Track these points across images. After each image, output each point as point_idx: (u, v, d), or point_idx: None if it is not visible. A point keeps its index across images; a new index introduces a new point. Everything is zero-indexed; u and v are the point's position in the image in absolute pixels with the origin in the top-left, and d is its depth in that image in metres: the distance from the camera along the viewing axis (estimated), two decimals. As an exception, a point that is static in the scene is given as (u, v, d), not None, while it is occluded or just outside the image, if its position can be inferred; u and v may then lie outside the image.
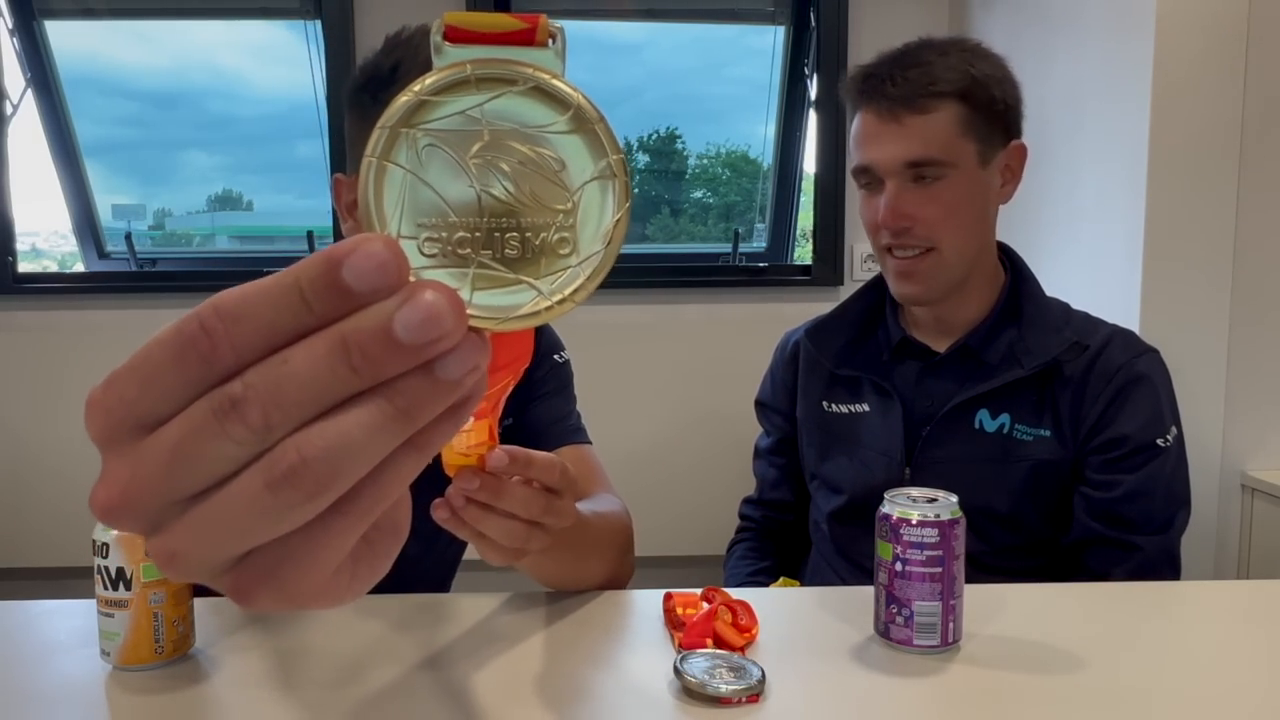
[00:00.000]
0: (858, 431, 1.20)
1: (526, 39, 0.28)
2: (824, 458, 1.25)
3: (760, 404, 1.38)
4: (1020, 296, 1.16)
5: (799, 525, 1.34)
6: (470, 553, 1.35)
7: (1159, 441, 1.11)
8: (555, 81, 0.27)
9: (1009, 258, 1.21)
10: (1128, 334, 1.16)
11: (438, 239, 0.27)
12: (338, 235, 2.22)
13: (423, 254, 0.27)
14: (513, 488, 0.64)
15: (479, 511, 0.64)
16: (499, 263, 0.27)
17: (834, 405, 1.24)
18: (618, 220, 0.28)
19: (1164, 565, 1.10)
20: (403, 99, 0.27)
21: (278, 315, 0.23)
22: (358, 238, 0.23)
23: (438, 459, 0.58)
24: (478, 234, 0.27)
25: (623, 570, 0.99)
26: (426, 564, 1.13)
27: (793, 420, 1.31)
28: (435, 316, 0.23)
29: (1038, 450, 1.11)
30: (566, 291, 0.27)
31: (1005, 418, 1.12)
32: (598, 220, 0.28)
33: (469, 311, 0.24)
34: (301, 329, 0.23)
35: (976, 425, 1.13)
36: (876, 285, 1.25)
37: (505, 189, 0.27)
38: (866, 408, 1.20)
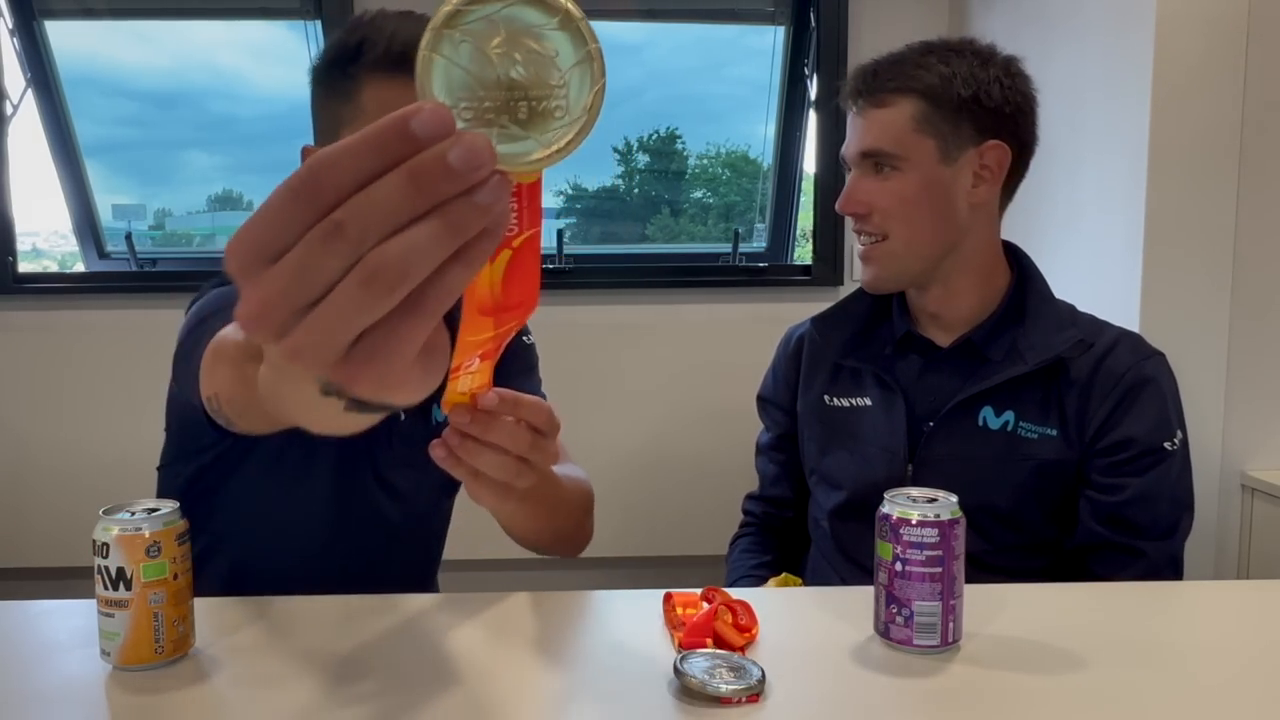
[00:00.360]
0: (859, 426, 1.20)
1: None
2: (824, 452, 1.24)
3: (761, 399, 1.39)
4: (1026, 295, 1.17)
5: (799, 521, 1.34)
6: (468, 553, 1.35)
7: (1166, 445, 1.11)
8: None
9: (1016, 258, 1.21)
10: (1135, 337, 1.16)
11: (470, 108, 0.37)
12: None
13: (461, 119, 0.37)
14: (503, 422, 0.70)
15: (473, 446, 0.70)
16: (514, 124, 0.37)
17: (836, 399, 1.24)
18: (596, 91, 0.38)
19: (1168, 571, 1.10)
20: (444, 9, 0.36)
21: (362, 161, 0.32)
22: (418, 103, 0.33)
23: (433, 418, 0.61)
24: (498, 104, 0.37)
25: (584, 530, 1.11)
26: (406, 535, 1.16)
27: (793, 415, 1.31)
28: (476, 151, 0.32)
29: (1043, 449, 1.11)
30: (560, 144, 0.38)
31: (1009, 415, 1.12)
32: (579, 93, 0.38)
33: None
34: (380, 170, 0.32)
35: (980, 423, 1.13)
36: None
37: (517, 70, 0.37)
38: (869, 401, 1.20)
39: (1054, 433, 1.11)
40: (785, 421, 1.33)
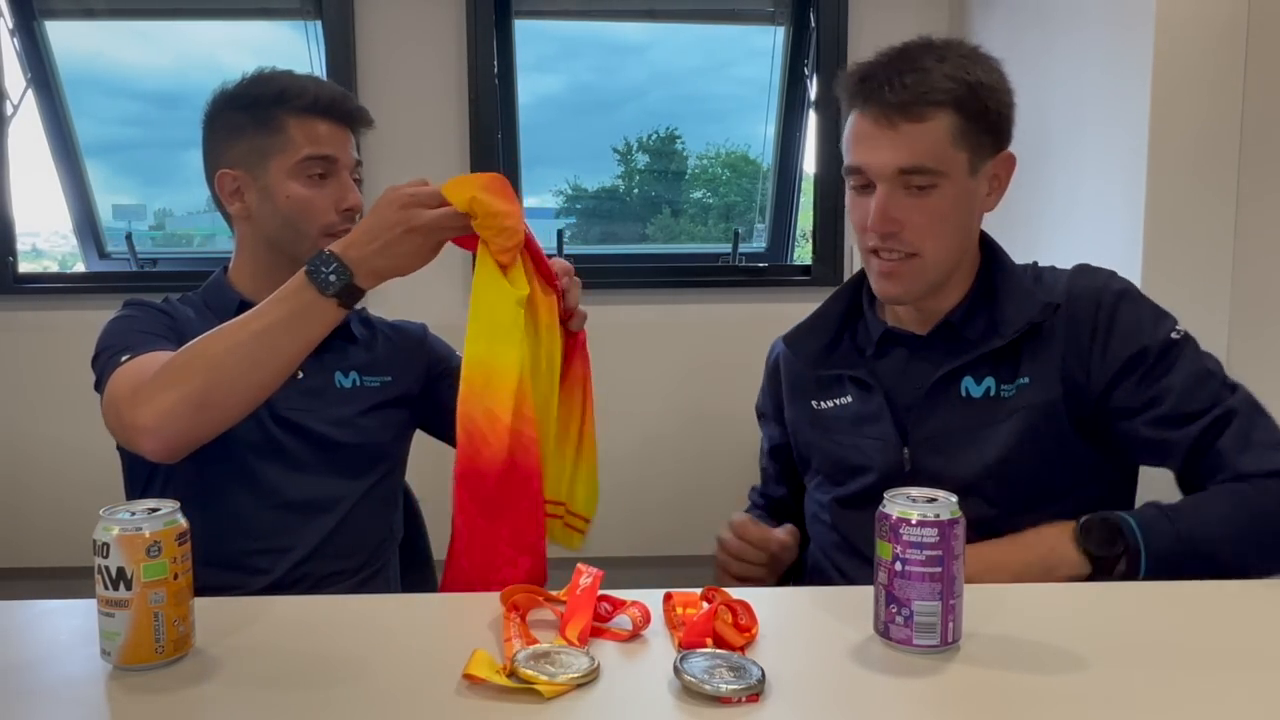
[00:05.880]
0: (850, 421, 1.21)
1: None
2: (820, 453, 1.25)
3: (758, 411, 1.43)
4: (994, 273, 1.18)
5: (798, 518, 1.35)
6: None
7: (1172, 335, 1.12)
8: None
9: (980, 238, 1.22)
10: (1082, 266, 1.19)
11: None
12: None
13: None
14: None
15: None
16: None
17: (822, 402, 1.26)
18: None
19: (1257, 414, 1.09)
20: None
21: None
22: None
23: None
24: None
25: None
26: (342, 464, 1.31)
27: (784, 426, 1.33)
28: None
29: (1022, 399, 1.12)
30: None
31: (990, 381, 1.14)
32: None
33: None
34: None
35: (963, 394, 1.14)
36: (855, 285, 1.27)
37: None
38: (849, 399, 1.22)
39: (1026, 380, 1.12)
40: (778, 434, 1.36)
